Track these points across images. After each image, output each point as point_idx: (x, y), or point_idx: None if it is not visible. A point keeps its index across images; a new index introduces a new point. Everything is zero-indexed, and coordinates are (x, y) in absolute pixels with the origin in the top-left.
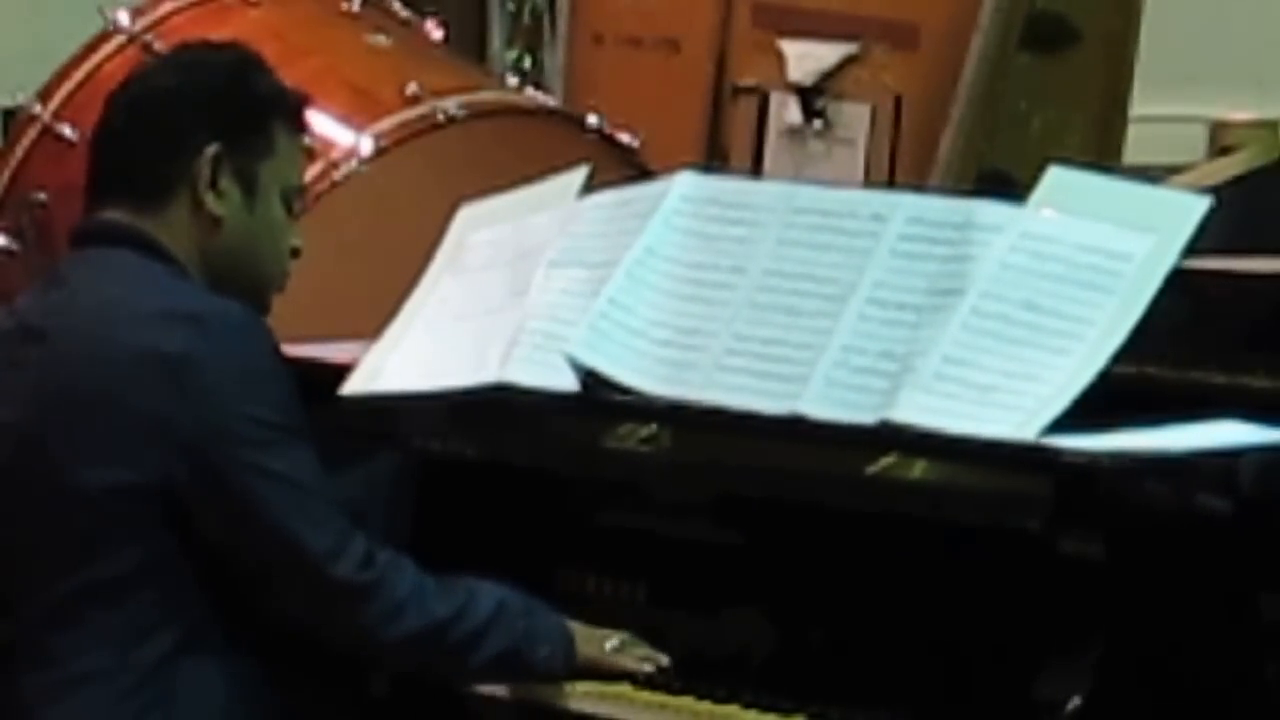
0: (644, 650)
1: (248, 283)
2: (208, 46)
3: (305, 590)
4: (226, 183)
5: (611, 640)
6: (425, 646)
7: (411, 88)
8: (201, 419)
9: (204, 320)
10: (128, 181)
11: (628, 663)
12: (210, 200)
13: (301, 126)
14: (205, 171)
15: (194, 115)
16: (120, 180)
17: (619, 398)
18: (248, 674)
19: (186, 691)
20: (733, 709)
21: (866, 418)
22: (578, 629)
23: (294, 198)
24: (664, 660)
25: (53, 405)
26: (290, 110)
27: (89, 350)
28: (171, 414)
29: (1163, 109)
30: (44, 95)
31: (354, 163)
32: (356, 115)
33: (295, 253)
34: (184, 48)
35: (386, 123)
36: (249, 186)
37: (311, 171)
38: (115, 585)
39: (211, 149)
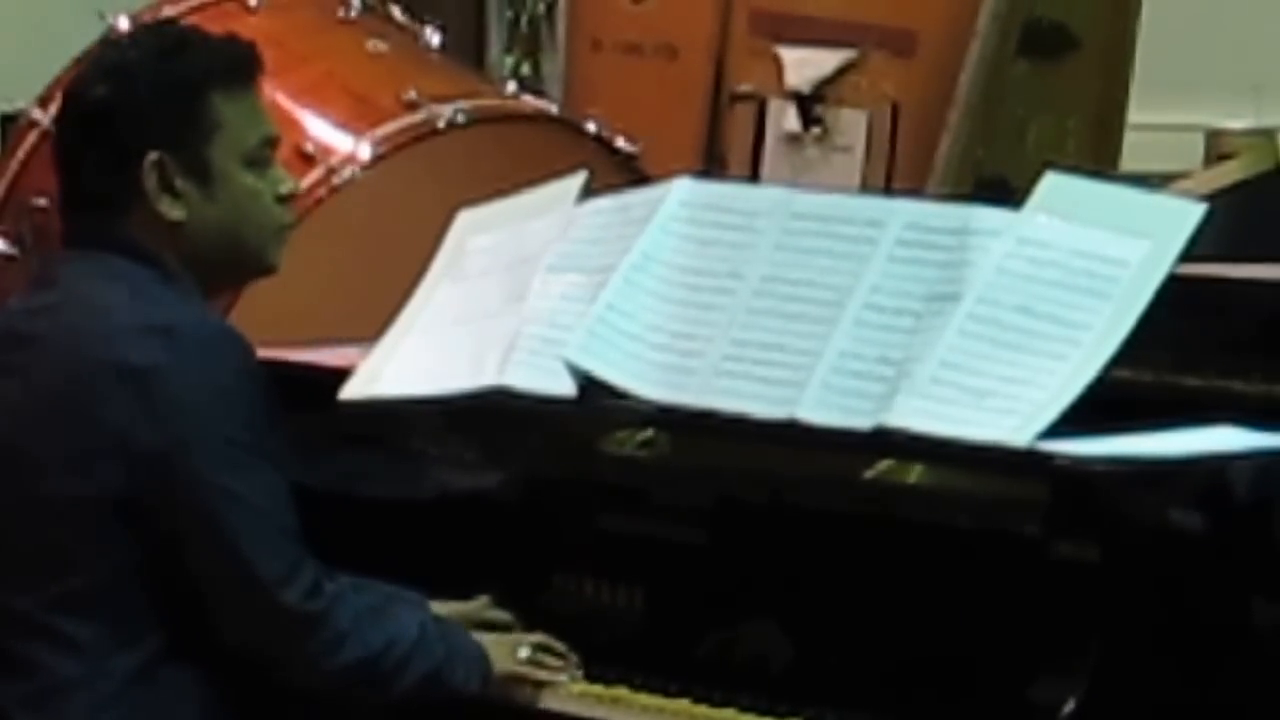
0: (555, 657)
1: (235, 257)
2: (128, 40)
3: (251, 614)
4: (180, 182)
5: (523, 649)
6: (360, 676)
7: (410, 94)
8: (164, 432)
9: (175, 333)
10: (89, 195)
11: (540, 673)
12: (165, 206)
13: (248, 77)
14: (150, 181)
15: (126, 128)
16: (83, 193)
17: (617, 402)
18: (227, 685)
19: (165, 702)
20: (729, 712)
21: (863, 423)
22: (489, 644)
23: (261, 153)
24: (575, 667)
25: (31, 413)
26: (226, 73)
27: (66, 359)
28: (135, 426)
29: (1160, 117)
30: (43, 100)
31: (353, 168)
32: (355, 121)
33: (287, 198)
34: (107, 45)
35: (385, 129)
36: (204, 175)
37: (310, 177)
38: (89, 595)
39: (151, 157)
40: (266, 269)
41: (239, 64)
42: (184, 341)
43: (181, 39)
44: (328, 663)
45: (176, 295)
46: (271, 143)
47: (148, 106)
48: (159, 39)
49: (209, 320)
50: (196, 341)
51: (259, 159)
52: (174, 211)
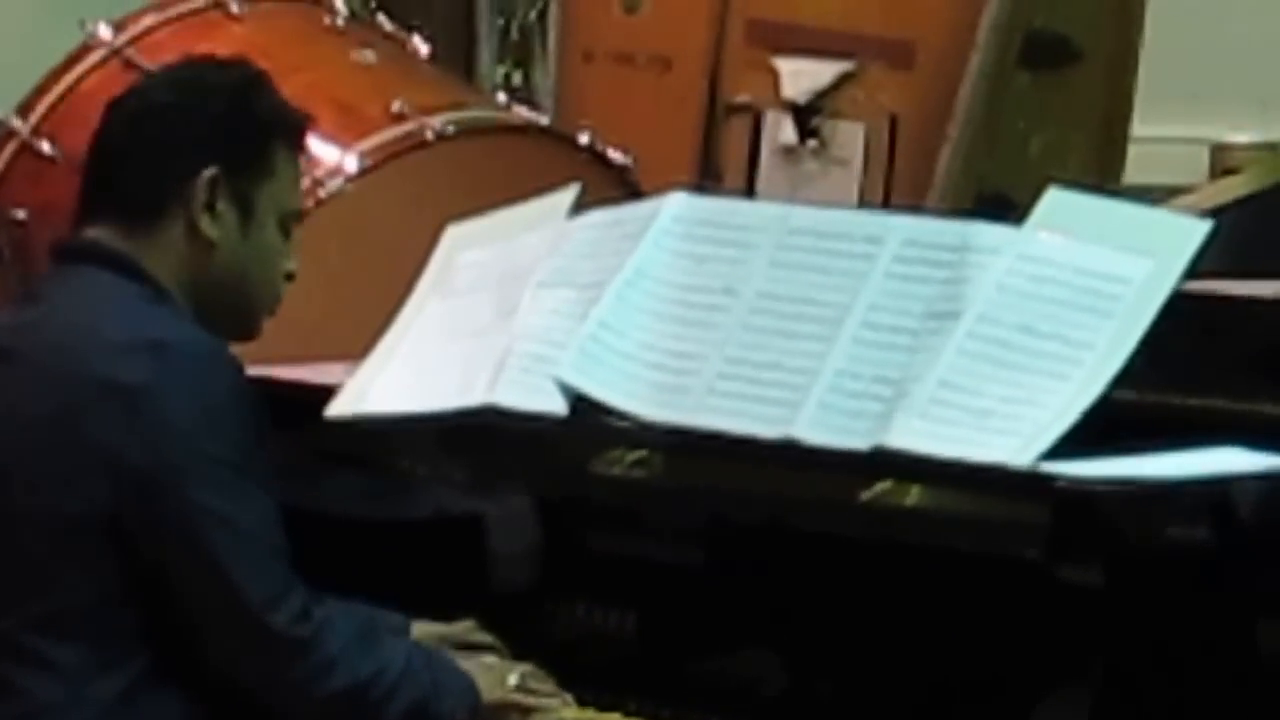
0: (548, 685)
1: (236, 307)
2: (212, 63)
3: (238, 638)
4: (223, 205)
5: (512, 677)
6: (347, 704)
7: (398, 105)
8: (152, 450)
9: (165, 350)
10: (120, 199)
11: (530, 700)
12: (205, 223)
13: (302, 145)
14: (202, 194)
15: (193, 135)
16: (112, 197)
17: (609, 421)
18: (211, 712)
19: None
20: None
21: (861, 443)
22: (478, 673)
23: (291, 222)
24: (566, 697)
25: (13, 429)
26: (292, 132)
27: (50, 375)
28: (123, 444)
29: (1164, 130)
30: (23, 110)
31: (339, 181)
32: (342, 133)
33: (289, 276)
34: (187, 63)
35: (372, 140)
36: (246, 210)
37: None
38: (70, 617)
39: (209, 171)
40: (246, 331)
41: (300, 129)
42: (174, 358)
43: (260, 79)
44: (315, 690)
45: (168, 313)
46: (300, 218)
47: (221, 124)
48: (239, 70)
49: (200, 337)
50: (187, 359)
51: (287, 227)
52: (211, 230)
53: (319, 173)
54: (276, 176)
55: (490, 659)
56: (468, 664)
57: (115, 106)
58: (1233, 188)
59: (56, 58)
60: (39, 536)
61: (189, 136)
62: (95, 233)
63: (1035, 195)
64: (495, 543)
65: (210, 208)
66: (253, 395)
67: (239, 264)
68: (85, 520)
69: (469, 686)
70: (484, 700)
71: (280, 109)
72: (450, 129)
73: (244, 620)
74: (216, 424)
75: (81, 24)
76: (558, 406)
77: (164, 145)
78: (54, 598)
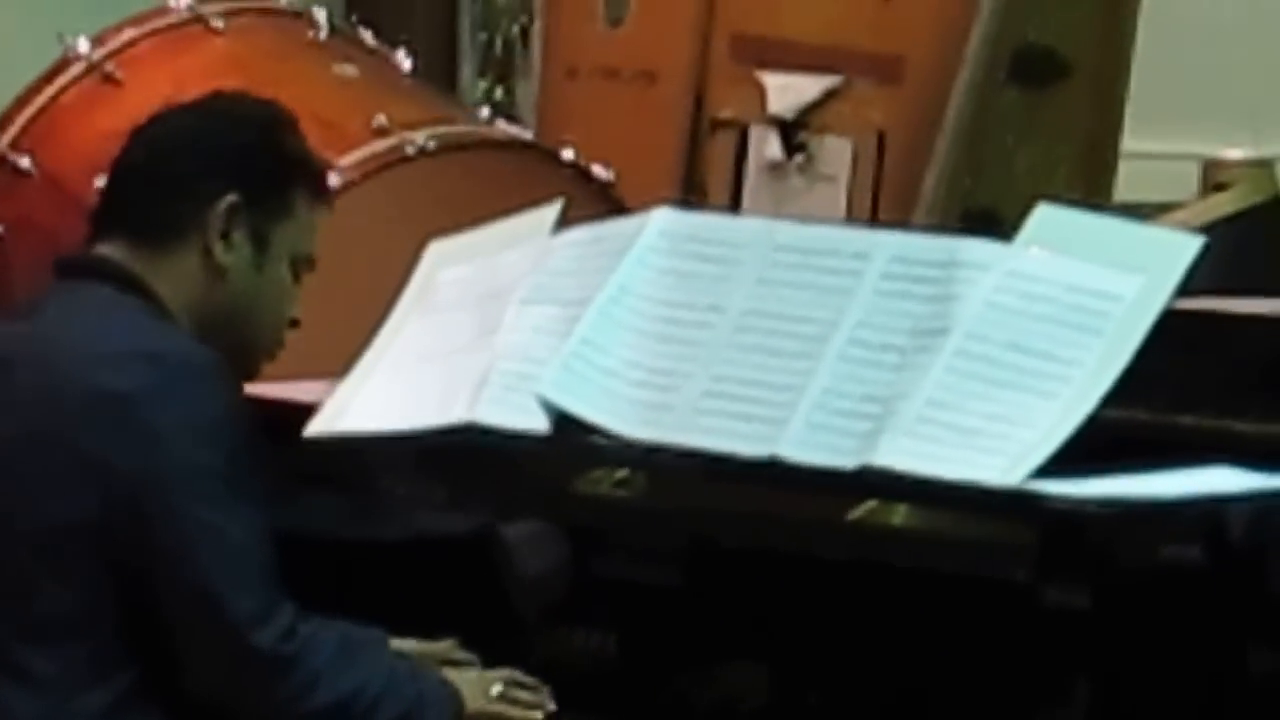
0: (528, 693)
1: (238, 342)
2: (242, 97)
3: (221, 654)
4: (239, 236)
5: (495, 686)
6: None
7: (380, 120)
8: (142, 457)
9: (161, 359)
10: (136, 219)
11: (514, 710)
12: (219, 250)
13: (323, 197)
14: (219, 221)
15: (215, 163)
16: (128, 216)
17: (592, 440)
18: None
19: None
20: None
21: (847, 462)
22: (461, 683)
23: (303, 266)
24: (550, 705)
25: (7, 436)
26: (313, 178)
27: (45, 385)
28: (114, 451)
29: (1155, 145)
30: (0, 124)
31: None
32: (323, 148)
33: (294, 323)
34: (218, 94)
35: (353, 156)
36: (261, 244)
37: None
38: (54, 628)
39: (229, 199)
40: (245, 371)
41: (322, 177)
42: (170, 368)
43: (288, 119)
44: (299, 707)
45: (169, 329)
46: (311, 265)
47: (245, 155)
48: (268, 107)
49: (199, 349)
50: (184, 368)
51: (298, 270)
52: (225, 258)
53: None
54: (295, 218)
55: (472, 674)
56: (452, 674)
57: (140, 130)
58: (1223, 204)
59: (34, 72)
60: (24, 545)
61: (212, 163)
62: (106, 249)
63: (1023, 211)
64: (515, 566)
65: (225, 236)
66: (249, 413)
67: (248, 297)
68: (73, 530)
69: (452, 696)
70: (468, 710)
71: (304, 153)
72: (432, 144)
73: (226, 635)
74: (209, 435)
75: (60, 38)
76: (540, 425)
77: (186, 169)
78: (37, 607)
